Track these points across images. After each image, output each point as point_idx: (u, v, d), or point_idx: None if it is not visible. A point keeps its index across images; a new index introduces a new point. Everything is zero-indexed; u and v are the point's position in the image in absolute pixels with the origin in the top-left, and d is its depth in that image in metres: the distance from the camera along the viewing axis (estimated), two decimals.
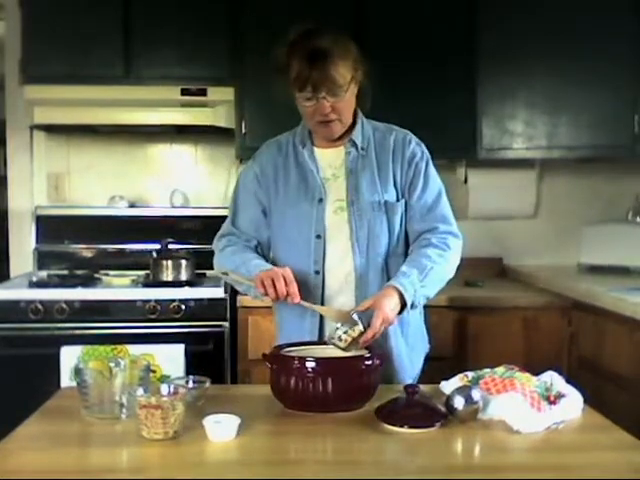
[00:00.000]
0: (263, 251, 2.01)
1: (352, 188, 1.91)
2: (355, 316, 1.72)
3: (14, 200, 3.45)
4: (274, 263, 1.93)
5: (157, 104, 3.09)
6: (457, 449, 1.44)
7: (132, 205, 3.43)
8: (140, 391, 1.45)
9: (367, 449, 1.41)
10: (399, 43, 3.13)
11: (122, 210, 3.38)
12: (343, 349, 1.68)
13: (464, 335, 2.85)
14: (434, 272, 1.83)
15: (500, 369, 1.67)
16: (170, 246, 3.04)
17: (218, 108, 3.08)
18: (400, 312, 1.79)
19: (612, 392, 2.46)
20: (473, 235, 3.53)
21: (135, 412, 1.43)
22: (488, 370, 1.67)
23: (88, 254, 3.37)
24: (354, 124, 1.95)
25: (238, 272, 1.87)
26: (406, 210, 1.94)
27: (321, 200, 1.92)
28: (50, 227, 3.35)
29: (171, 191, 3.46)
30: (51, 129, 3.33)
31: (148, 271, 3.02)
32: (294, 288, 1.77)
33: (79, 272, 3.21)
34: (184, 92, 3.04)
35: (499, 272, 3.53)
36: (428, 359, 2.05)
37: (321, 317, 1.91)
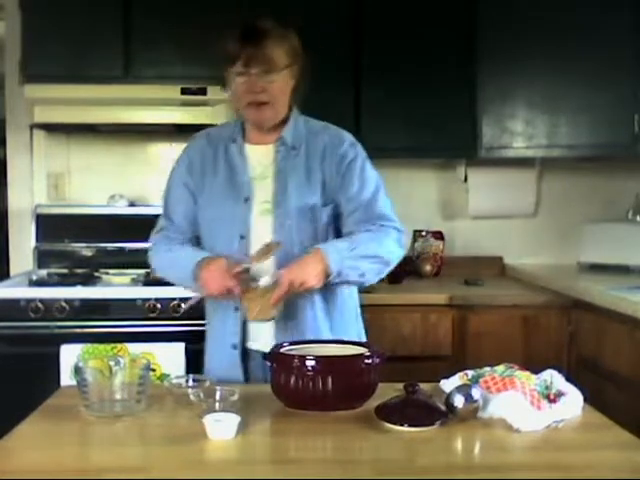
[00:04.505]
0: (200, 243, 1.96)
1: (279, 190, 1.85)
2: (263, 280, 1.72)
3: (14, 199, 3.45)
4: None
5: (157, 103, 3.09)
6: (457, 448, 1.44)
7: (132, 204, 3.43)
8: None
9: (367, 448, 1.42)
10: (399, 43, 3.13)
11: (122, 209, 3.38)
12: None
13: (464, 334, 2.85)
14: (365, 246, 1.77)
15: (500, 368, 1.66)
16: None
17: (218, 107, 3.07)
18: (328, 279, 1.73)
19: (612, 391, 2.46)
20: (473, 234, 3.56)
21: (134, 411, 1.43)
22: (488, 369, 1.67)
23: (88, 253, 3.37)
24: (287, 121, 1.88)
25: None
26: (338, 214, 1.87)
27: (247, 199, 1.86)
28: (50, 226, 3.35)
29: None
30: (51, 128, 3.33)
31: (148, 269, 3.00)
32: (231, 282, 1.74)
33: (79, 271, 3.21)
34: (184, 91, 3.03)
35: (499, 271, 3.53)
36: None
37: (244, 319, 1.87)
